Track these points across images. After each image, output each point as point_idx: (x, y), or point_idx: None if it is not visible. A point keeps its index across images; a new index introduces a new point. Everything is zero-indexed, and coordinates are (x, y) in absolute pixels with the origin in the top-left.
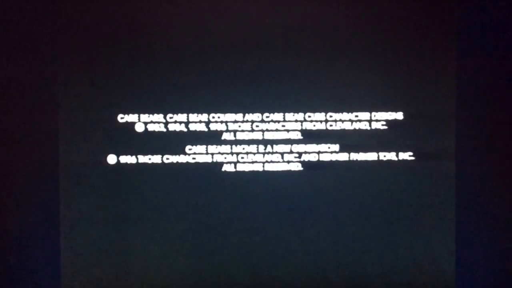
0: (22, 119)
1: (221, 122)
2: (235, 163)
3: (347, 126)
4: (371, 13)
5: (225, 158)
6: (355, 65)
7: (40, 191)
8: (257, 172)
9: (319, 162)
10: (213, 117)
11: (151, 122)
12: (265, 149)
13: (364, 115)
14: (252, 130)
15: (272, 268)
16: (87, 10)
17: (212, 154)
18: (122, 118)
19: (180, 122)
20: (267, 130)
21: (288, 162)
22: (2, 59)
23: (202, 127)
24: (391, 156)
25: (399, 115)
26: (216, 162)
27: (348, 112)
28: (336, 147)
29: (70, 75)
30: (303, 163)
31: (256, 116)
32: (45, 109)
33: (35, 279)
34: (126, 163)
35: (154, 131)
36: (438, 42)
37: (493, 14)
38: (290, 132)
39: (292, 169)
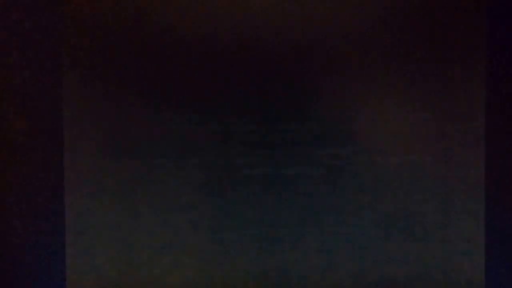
0: (26, 120)
1: (235, 122)
2: (250, 166)
3: (368, 126)
4: (396, 12)
5: (240, 159)
6: (377, 63)
7: (45, 193)
8: (272, 174)
9: (338, 164)
10: (226, 117)
11: (159, 122)
12: (281, 150)
13: (386, 116)
14: (268, 131)
15: (290, 272)
16: (92, 11)
17: (226, 155)
18: (127, 118)
19: (191, 122)
20: (283, 130)
21: (306, 164)
22: (6, 60)
23: (214, 127)
24: (414, 158)
25: (424, 116)
26: (230, 164)
27: (368, 112)
28: (356, 148)
29: (74, 76)
30: (322, 166)
31: (272, 116)
32: (49, 110)
33: (40, 280)
34: (132, 164)
35: (161, 132)
36: (467, 41)
37: None
38: (307, 133)
39: (310, 172)
